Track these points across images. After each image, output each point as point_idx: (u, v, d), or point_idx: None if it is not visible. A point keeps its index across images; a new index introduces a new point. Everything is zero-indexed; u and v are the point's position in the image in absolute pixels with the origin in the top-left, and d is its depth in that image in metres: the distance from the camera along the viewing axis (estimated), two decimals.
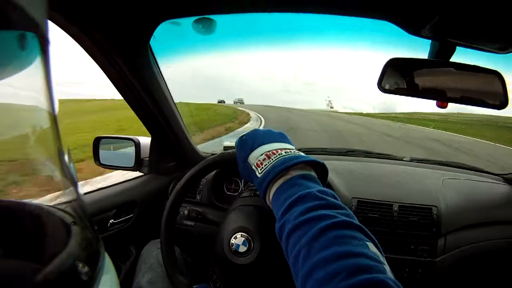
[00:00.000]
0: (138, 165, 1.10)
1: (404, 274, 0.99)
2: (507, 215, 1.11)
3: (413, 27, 0.80)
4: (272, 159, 0.48)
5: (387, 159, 1.35)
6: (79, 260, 0.21)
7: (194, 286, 0.69)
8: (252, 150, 0.53)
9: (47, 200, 0.24)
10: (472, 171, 1.31)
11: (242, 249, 0.63)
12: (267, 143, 0.52)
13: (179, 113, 1.05)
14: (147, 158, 1.12)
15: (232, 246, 0.64)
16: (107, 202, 0.99)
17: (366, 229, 0.38)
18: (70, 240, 0.22)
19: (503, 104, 0.81)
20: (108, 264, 0.26)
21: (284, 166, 0.46)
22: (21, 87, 0.22)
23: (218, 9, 0.84)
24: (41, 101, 0.22)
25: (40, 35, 0.21)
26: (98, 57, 0.81)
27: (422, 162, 1.34)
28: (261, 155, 0.50)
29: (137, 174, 1.14)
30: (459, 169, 1.31)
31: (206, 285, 0.75)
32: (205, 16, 0.86)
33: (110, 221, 0.99)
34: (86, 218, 0.25)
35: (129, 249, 1.06)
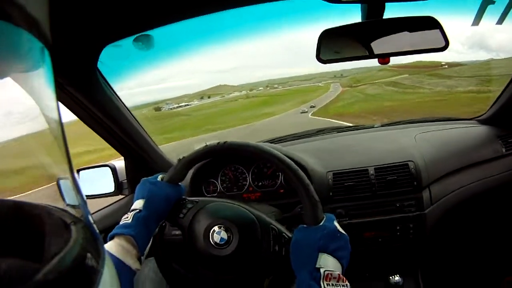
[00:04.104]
0: (118, 189, 1.13)
1: (397, 233, 0.99)
2: (483, 155, 1.12)
3: None
4: (340, 285, 0.53)
5: (358, 129, 1.37)
6: (79, 259, 0.21)
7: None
8: (332, 253, 0.56)
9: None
10: (446, 121, 1.32)
11: (222, 241, 0.64)
12: (341, 262, 0.57)
13: (142, 128, 1.08)
14: (126, 181, 1.14)
15: (212, 239, 0.65)
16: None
17: None
18: (70, 239, 0.22)
19: (446, 45, 0.83)
20: (108, 264, 0.26)
21: None
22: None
23: (155, 24, 0.88)
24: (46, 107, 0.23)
25: (41, 34, 0.21)
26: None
27: (393, 125, 1.35)
28: (335, 271, 0.54)
29: (120, 197, 1.16)
30: (432, 122, 1.32)
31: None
32: (143, 33, 0.91)
33: None
34: (87, 218, 0.25)
35: None
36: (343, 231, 0.61)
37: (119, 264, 0.59)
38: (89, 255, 0.23)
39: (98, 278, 0.23)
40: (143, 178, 0.73)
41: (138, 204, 0.67)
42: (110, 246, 0.61)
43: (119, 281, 0.30)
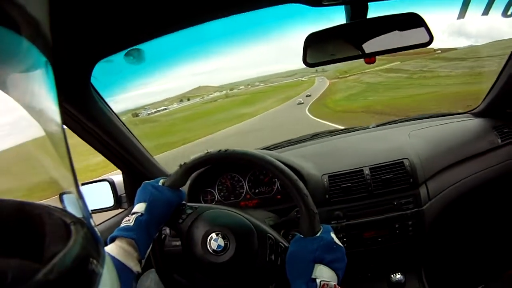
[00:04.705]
0: (117, 203, 1.13)
1: (396, 231, 0.99)
2: (479, 148, 1.12)
3: (314, 0, 0.84)
4: None
5: (352, 131, 1.37)
6: (79, 259, 0.21)
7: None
8: (329, 265, 0.56)
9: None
10: (440, 117, 1.32)
11: (219, 248, 0.65)
12: (337, 272, 0.57)
13: (138, 140, 1.09)
14: (125, 194, 1.15)
15: (209, 245, 0.66)
16: None
17: None
18: (70, 239, 0.22)
19: (430, 40, 0.84)
20: (108, 265, 0.26)
21: None
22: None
23: (146, 38, 0.90)
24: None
25: (40, 36, 0.21)
26: None
27: (387, 124, 1.36)
28: (331, 282, 0.54)
29: (119, 211, 1.16)
30: (426, 119, 1.32)
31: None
32: (134, 47, 0.93)
33: None
34: (87, 218, 0.25)
35: None
36: (339, 243, 0.61)
37: (120, 266, 0.59)
38: (89, 255, 0.23)
39: (98, 278, 0.23)
40: (144, 182, 0.73)
41: (139, 207, 0.67)
42: (111, 248, 0.61)
43: (119, 282, 0.30)
